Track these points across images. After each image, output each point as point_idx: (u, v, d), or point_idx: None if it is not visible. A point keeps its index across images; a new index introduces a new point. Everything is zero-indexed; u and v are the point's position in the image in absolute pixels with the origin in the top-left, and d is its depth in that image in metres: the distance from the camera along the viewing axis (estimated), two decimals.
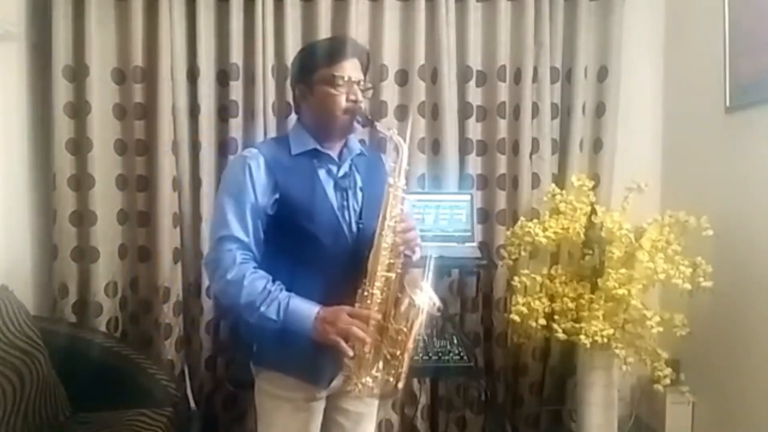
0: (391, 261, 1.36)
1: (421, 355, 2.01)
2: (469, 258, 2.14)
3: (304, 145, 1.47)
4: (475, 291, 2.51)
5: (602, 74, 2.52)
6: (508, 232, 2.35)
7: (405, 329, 1.33)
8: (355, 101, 1.43)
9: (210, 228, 1.48)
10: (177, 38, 2.38)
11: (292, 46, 2.41)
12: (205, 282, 2.38)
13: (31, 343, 1.92)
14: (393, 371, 1.36)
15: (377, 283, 1.35)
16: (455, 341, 2.11)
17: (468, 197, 2.31)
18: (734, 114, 2.16)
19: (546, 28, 2.47)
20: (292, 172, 1.43)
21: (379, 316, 1.35)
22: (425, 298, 1.35)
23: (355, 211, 1.46)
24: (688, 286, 1.96)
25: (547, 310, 2.14)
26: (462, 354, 2.02)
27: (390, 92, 2.50)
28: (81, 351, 2.12)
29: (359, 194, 1.48)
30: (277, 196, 1.41)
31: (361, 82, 1.46)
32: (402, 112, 2.52)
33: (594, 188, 2.40)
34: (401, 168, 1.39)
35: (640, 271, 2.00)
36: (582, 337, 2.01)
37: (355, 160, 1.52)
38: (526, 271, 2.21)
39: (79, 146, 2.37)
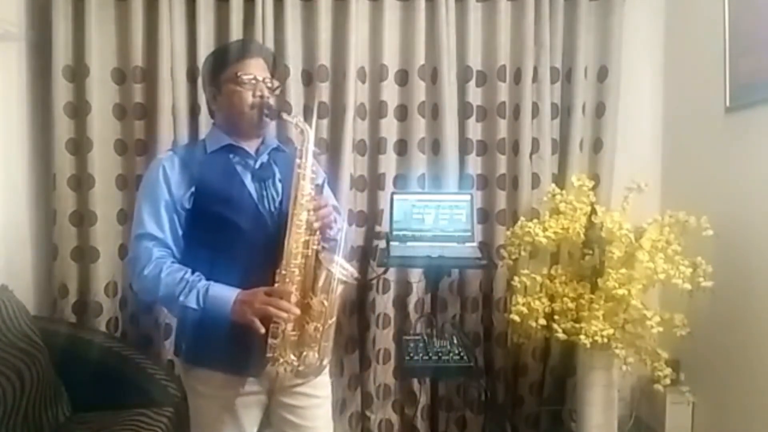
0: (307, 239, 1.41)
1: (421, 355, 2.01)
2: (469, 258, 2.14)
3: (218, 142, 1.53)
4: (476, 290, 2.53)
5: (602, 74, 2.52)
6: (508, 232, 2.35)
7: (324, 302, 1.39)
8: (262, 97, 1.49)
9: (131, 229, 1.51)
10: (177, 38, 2.38)
11: (292, 46, 2.42)
12: None
13: (31, 343, 1.92)
14: (315, 345, 1.40)
15: (294, 261, 1.39)
16: (455, 341, 2.11)
17: (468, 197, 2.30)
18: (734, 114, 2.16)
19: (546, 28, 2.47)
20: (207, 167, 1.49)
21: (295, 291, 1.38)
22: (339, 269, 1.40)
23: (274, 199, 1.51)
24: (688, 286, 1.96)
25: (547, 310, 2.14)
26: (462, 354, 2.02)
27: (390, 92, 2.50)
28: (81, 351, 2.13)
29: (279, 185, 1.53)
30: (192, 189, 1.46)
31: (267, 80, 1.52)
32: (402, 112, 2.53)
33: (594, 188, 2.40)
34: (307, 150, 1.43)
35: (640, 271, 2.00)
36: (582, 337, 2.01)
37: (273, 154, 1.57)
38: (526, 271, 2.21)
39: (79, 146, 2.37)
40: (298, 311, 1.37)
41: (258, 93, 1.49)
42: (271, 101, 1.52)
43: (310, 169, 1.43)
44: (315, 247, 1.42)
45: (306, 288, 1.40)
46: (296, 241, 1.39)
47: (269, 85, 1.52)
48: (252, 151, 1.54)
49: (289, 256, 1.38)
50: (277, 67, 1.65)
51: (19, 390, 1.80)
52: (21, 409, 1.79)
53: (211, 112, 1.63)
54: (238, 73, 1.48)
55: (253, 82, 1.49)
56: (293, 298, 1.37)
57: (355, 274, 1.47)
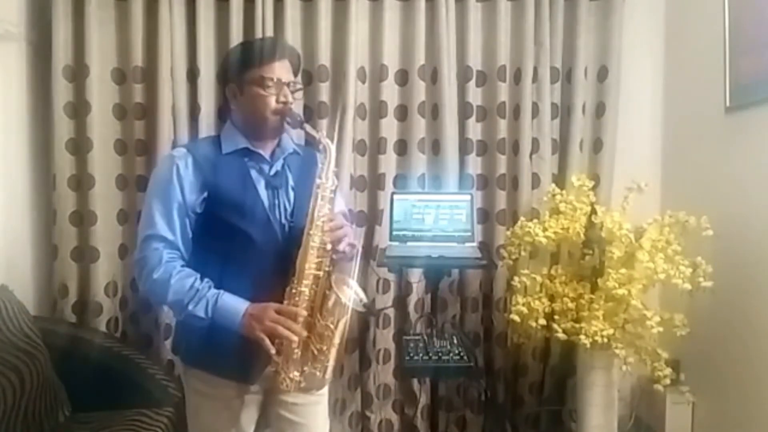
0: (320, 259, 1.39)
1: (421, 355, 2.01)
2: (469, 258, 2.14)
3: (234, 144, 1.49)
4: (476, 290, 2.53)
5: (602, 74, 2.52)
6: (508, 232, 2.35)
7: (331, 325, 1.37)
8: (285, 102, 1.45)
9: (138, 227, 1.48)
10: (177, 38, 2.38)
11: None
12: None
13: (31, 343, 1.92)
14: (320, 365, 1.39)
15: (305, 281, 1.38)
16: (455, 341, 2.11)
17: (468, 197, 2.30)
18: (734, 114, 2.16)
19: (546, 28, 2.47)
20: (221, 171, 1.45)
21: (306, 313, 1.37)
22: (351, 294, 1.39)
23: (286, 209, 1.48)
24: (688, 286, 1.96)
25: (547, 310, 2.14)
26: (462, 354, 2.02)
27: (390, 92, 2.50)
28: (81, 351, 2.13)
29: (291, 193, 1.50)
30: (205, 194, 1.43)
31: (292, 84, 1.48)
32: (402, 112, 2.53)
33: (594, 188, 2.40)
34: (329, 168, 1.41)
35: (640, 271, 2.00)
36: (582, 337, 2.01)
37: (288, 158, 1.54)
38: (526, 271, 2.21)
39: (79, 146, 2.37)
40: (305, 333, 1.36)
41: (282, 98, 1.44)
42: (294, 107, 1.49)
43: (330, 190, 1.41)
44: (327, 268, 1.40)
45: (315, 309, 1.39)
46: (309, 262, 1.37)
47: (293, 88, 1.48)
48: (267, 155, 1.51)
49: (301, 276, 1.37)
50: (301, 67, 1.60)
51: (19, 390, 1.80)
52: (21, 409, 1.79)
53: (227, 109, 1.59)
54: (264, 76, 1.43)
55: (280, 86, 1.44)
56: (302, 319, 1.36)
57: (365, 300, 1.45)
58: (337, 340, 1.39)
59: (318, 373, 1.39)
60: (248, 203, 1.44)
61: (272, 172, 1.50)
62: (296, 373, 1.39)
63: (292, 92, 1.48)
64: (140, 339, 2.45)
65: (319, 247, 1.39)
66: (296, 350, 1.37)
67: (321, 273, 1.40)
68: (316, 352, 1.38)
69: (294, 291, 1.37)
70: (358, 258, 1.48)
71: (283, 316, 1.34)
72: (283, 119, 1.46)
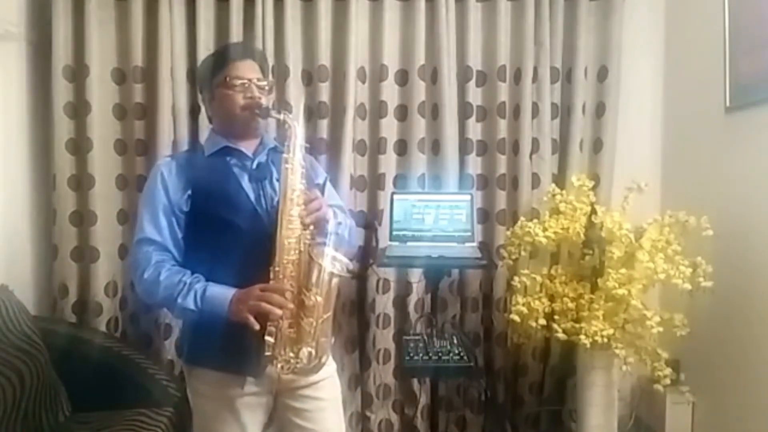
0: (299, 234, 1.41)
1: (421, 355, 2.01)
2: (469, 258, 2.14)
3: (215, 145, 1.56)
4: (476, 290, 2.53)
5: (602, 74, 2.52)
6: (508, 232, 2.35)
7: (318, 297, 1.38)
8: (252, 98, 1.51)
9: (133, 232, 1.54)
10: (177, 38, 2.38)
11: (292, 46, 2.42)
12: None
13: (31, 343, 1.92)
14: (313, 342, 1.39)
15: (287, 257, 1.39)
16: (455, 341, 2.11)
17: (468, 197, 2.30)
18: (734, 114, 2.16)
19: (546, 28, 2.47)
20: (204, 170, 1.51)
21: (291, 287, 1.38)
22: (331, 261, 1.40)
23: (272, 199, 1.51)
24: (688, 286, 1.96)
25: (547, 310, 2.14)
26: (462, 354, 2.02)
27: (390, 92, 2.50)
28: (81, 351, 2.13)
29: (276, 184, 1.53)
30: (189, 192, 1.48)
31: (258, 80, 1.53)
32: (402, 112, 2.53)
33: (594, 188, 2.40)
34: (295, 144, 1.44)
35: (640, 271, 2.00)
36: (582, 337, 2.01)
37: (271, 154, 1.58)
38: (526, 271, 2.21)
39: (79, 146, 2.37)
40: (291, 306, 1.37)
41: (248, 94, 1.51)
42: (263, 101, 1.53)
43: (299, 164, 1.44)
44: (307, 242, 1.42)
45: (300, 283, 1.40)
46: (288, 237, 1.39)
47: (260, 85, 1.53)
48: (249, 152, 1.56)
49: (281, 252, 1.39)
50: (269, 66, 1.66)
51: (19, 390, 1.80)
52: (21, 409, 1.79)
53: (208, 117, 1.66)
54: (228, 77, 1.51)
55: (244, 84, 1.51)
56: (288, 294, 1.37)
57: (350, 266, 1.46)
58: (325, 314, 1.40)
59: (311, 350, 1.39)
60: (233, 196, 1.48)
61: (255, 166, 1.54)
62: (290, 354, 1.39)
63: (266, 89, 1.54)
64: (140, 339, 2.44)
65: (296, 221, 1.41)
66: (287, 329, 1.37)
67: (302, 247, 1.41)
68: (306, 327, 1.38)
69: (277, 268, 1.39)
70: (337, 228, 1.49)
71: (268, 292, 1.36)
72: (252, 113, 1.51)
